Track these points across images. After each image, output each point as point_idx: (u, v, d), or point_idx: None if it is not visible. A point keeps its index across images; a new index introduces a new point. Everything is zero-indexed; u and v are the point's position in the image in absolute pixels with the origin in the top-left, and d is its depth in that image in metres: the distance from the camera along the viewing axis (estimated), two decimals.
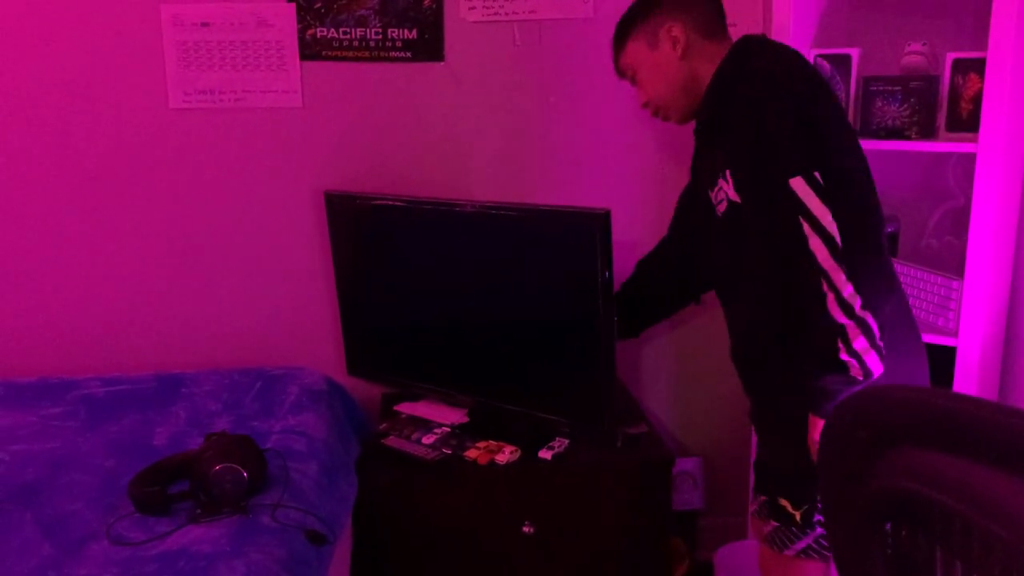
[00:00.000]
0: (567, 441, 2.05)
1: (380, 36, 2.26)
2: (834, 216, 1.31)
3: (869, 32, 2.04)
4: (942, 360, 1.83)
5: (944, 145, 1.85)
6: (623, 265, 2.16)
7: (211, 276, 2.36)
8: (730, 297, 1.64)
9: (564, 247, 1.91)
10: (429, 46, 2.27)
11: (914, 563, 0.70)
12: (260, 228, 2.34)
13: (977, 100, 1.75)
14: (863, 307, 1.32)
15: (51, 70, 2.21)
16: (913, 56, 1.94)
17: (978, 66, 1.74)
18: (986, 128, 1.70)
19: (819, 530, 1.49)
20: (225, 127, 2.28)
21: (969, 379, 1.82)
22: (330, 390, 2.23)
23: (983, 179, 1.73)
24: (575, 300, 1.92)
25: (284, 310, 2.40)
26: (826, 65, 1.97)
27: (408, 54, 2.28)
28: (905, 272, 1.95)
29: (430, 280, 2.16)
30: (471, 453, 2.01)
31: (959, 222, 1.98)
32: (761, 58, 1.47)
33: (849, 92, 1.96)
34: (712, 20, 1.58)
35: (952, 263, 1.95)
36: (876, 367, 1.35)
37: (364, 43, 2.26)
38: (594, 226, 1.82)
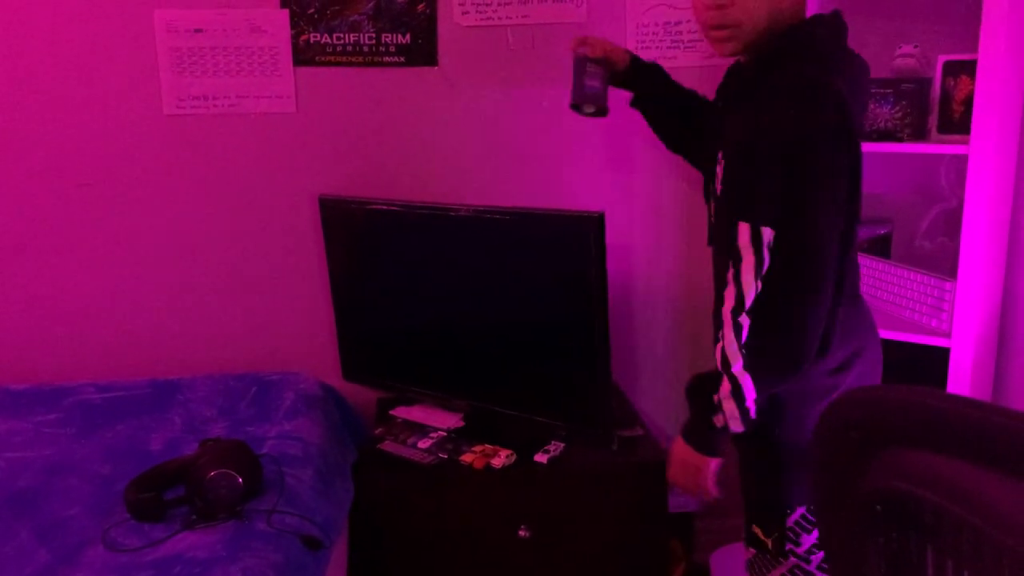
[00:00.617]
0: (563, 444, 2.06)
1: (374, 41, 2.26)
2: (757, 276, 1.28)
3: (861, 35, 2.04)
4: (935, 361, 1.84)
5: (936, 147, 1.86)
6: (617, 268, 2.17)
7: (206, 282, 2.36)
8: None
9: (558, 250, 1.91)
10: (423, 51, 2.28)
11: (907, 562, 0.70)
12: (254, 233, 2.34)
13: (968, 102, 1.76)
14: (743, 367, 1.30)
15: (45, 77, 2.21)
16: (905, 59, 1.95)
17: (969, 68, 1.75)
18: (977, 130, 1.71)
19: (792, 560, 1.47)
20: (219, 133, 2.28)
21: (962, 380, 1.82)
22: (325, 395, 2.23)
23: (975, 180, 1.74)
24: (570, 303, 1.93)
25: (279, 315, 2.40)
26: None
27: (402, 59, 2.28)
28: (898, 273, 1.96)
29: (425, 284, 2.16)
30: (467, 457, 2.01)
31: (952, 223, 1.99)
32: (814, 69, 1.32)
33: None
34: None
35: (945, 264, 1.96)
36: (736, 428, 1.35)
37: (358, 48, 2.26)
38: (588, 229, 1.83)
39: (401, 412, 2.25)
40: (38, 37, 2.19)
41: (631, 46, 2.32)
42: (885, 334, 1.87)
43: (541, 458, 2.01)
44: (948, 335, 1.82)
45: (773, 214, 1.27)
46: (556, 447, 2.04)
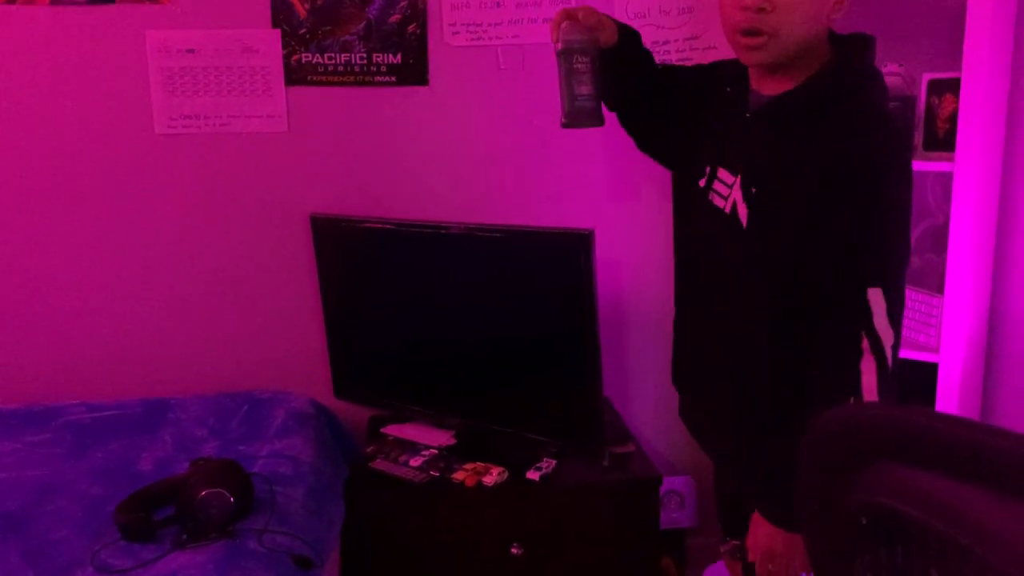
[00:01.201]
0: (554, 461, 2.06)
1: (365, 61, 2.28)
2: (894, 345, 1.23)
3: None
4: (924, 376, 1.85)
5: (922, 164, 1.87)
6: (608, 284, 2.17)
7: (197, 300, 2.36)
8: (722, 292, 1.44)
9: (549, 267, 1.92)
10: (414, 71, 2.29)
11: None
12: (246, 252, 2.35)
13: (953, 120, 1.78)
14: (893, 343, 1.26)
15: (36, 96, 2.22)
16: (890, 77, 1.97)
17: (953, 86, 1.78)
18: (962, 147, 1.73)
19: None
20: (211, 152, 2.29)
21: (951, 394, 1.83)
22: (317, 413, 2.23)
23: (960, 197, 1.76)
24: (561, 320, 1.94)
25: (270, 333, 2.39)
26: None
27: (393, 79, 2.30)
28: None
29: (416, 301, 2.16)
30: (459, 475, 2.01)
31: (939, 239, 2.01)
32: (876, 93, 1.31)
33: None
34: None
35: (933, 280, 1.98)
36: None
37: (349, 68, 2.28)
38: (578, 246, 1.84)
39: (392, 430, 2.25)
40: (30, 56, 2.20)
41: None
42: None
43: (533, 475, 2.01)
44: (936, 350, 1.83)
45: (896, 271, 1.25)
46: (548, 464, 2.04)
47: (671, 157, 1.62)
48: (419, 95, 2.31)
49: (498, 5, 2.28)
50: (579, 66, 1.46)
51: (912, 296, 1.91)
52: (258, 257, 2.35)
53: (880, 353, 1.23)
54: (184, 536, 1.57)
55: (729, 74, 1.46)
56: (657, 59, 1.62)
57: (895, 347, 1.24)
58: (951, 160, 1.76)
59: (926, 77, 1.87)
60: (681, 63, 2.24)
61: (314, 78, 2.27)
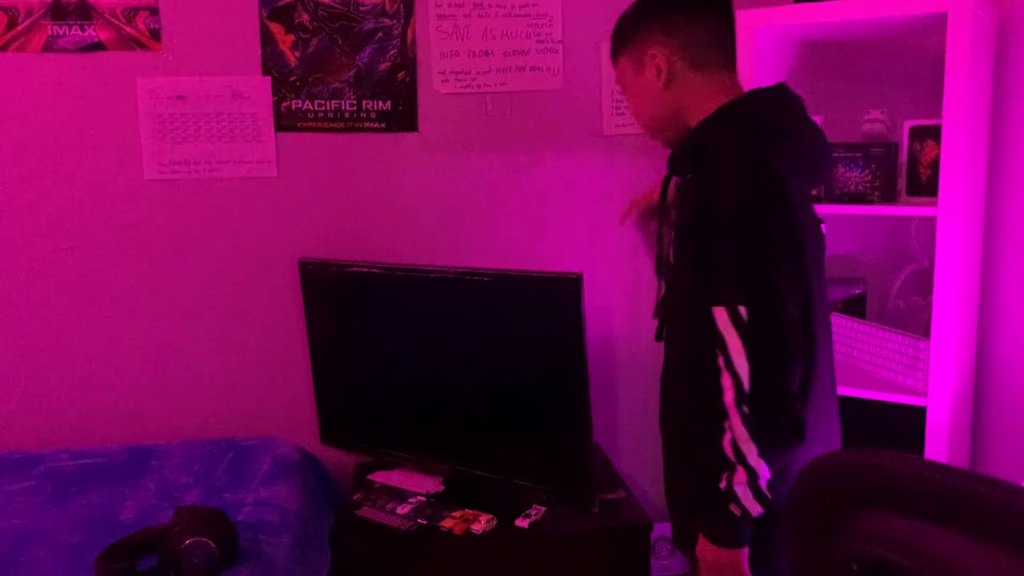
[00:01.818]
0: (544, 508, 2.03)
1: (355, 108, 2.30)
2: (749, 358, 1.24)
3: (830, 100, 2.10)
4: (912, 419, 1.85)
5: (905, 209, 1.90)
6: (597, 330, 2.17)
7: (184, 345, 2.34)
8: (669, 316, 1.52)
9: (537, 311, 1.92)
10: (403, 117, 2.32)
11: None
12: (234, 296, 2.34)
13: (935, 165, 1.80)
14: (758, 455, 1.26)
15: (27, 142, 2.22)
16: (873, 123, 2.01)
17: (934, 133, 1.81)
18: (944, 192, 1.75)
19: None
20: (200, 197, 2.29)
21: (940, 437, 1.83)
22: (303, 460, 2.20)
23: (944, 241, 1.77)
24: (550, 364, 1.93)
25: (257, 379, 2.38)
26: None
27: (382, 125, 2.32)
28: (873, 333, 1.98)
29: (404, 346, 2.15)
30: (447, 523, 1.98)
31: (924, 282, 2.03)
32: (754, 143, 1.34)
33: None
34: (705, 50, 1.41)
35: (919, 323, 1.99)
36: (756, 511, 1.29)
37: (339, 114, 2.30)
38: (567, 290, 1.84)
39: (380, 477, 2.22)
40: (21, 103, 2.21)
41: (606, 113, 2.37)
42: (862, 393, 1.88)
43: (522, 523, 1.98)
44: (924, 394, 1.83)
45: (743, 291, 1.25)
46: (537, 511, 2.02)
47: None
48: (409, 141, 2.33)
49: (487, 54, 2.31)
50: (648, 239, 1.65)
51: (898, 340, 1.92)
52: (246, 302, 2.35)
53: (732, 371, 1.25)
54: None
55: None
56: None
57: (760, 371, 1.24)
58: (934, 204, 1.78)
59: (907, 124, 1.90)
60: None
61: (304, 124, 2.29)
